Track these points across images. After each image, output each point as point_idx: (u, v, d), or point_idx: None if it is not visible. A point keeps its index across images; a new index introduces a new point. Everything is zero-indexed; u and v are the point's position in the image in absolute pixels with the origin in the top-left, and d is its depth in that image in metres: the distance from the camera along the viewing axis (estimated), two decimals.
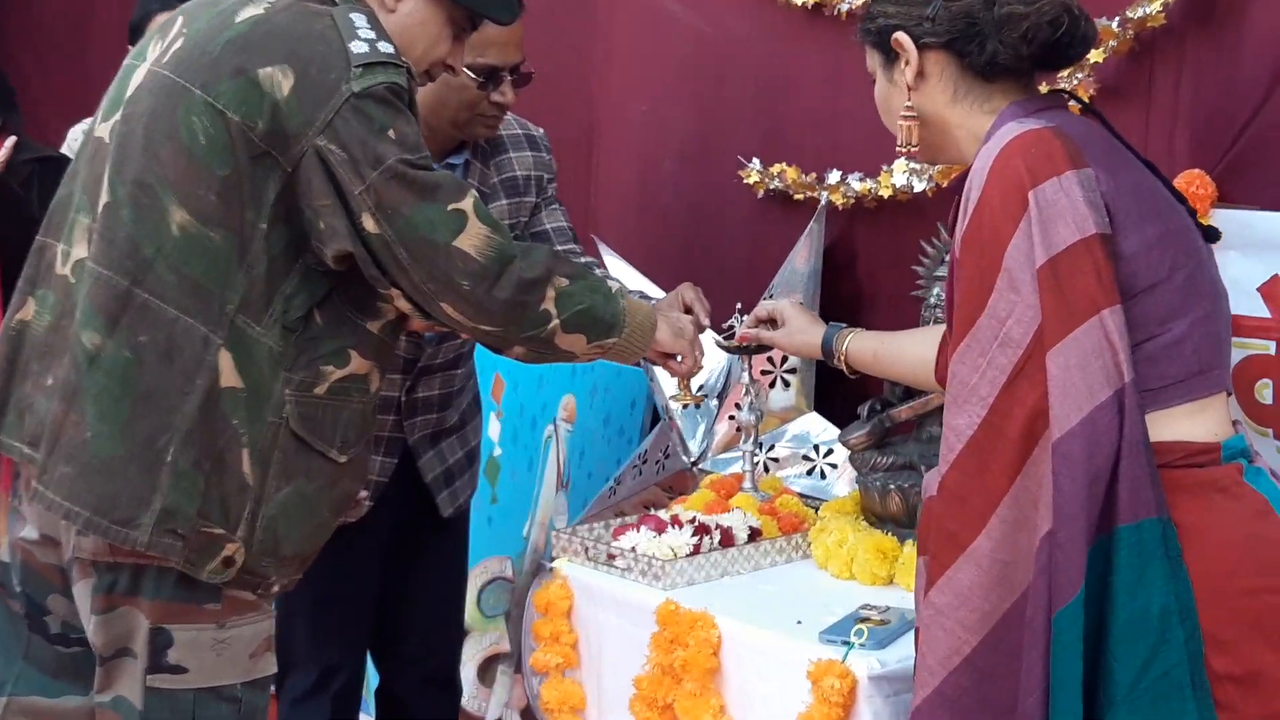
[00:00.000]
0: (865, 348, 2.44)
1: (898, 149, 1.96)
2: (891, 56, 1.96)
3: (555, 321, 2.24)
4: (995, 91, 1.92)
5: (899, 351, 2.40)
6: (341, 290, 2.24)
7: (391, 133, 2.14)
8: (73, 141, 3.85)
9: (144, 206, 2.18)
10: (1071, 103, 2.04)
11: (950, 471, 1.82)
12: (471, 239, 2.16)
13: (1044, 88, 2.02)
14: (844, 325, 2.47)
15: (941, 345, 2.22)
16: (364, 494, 2.47)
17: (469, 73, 2.59)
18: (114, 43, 3.82)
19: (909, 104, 1.94)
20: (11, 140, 3.35)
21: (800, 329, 2.54)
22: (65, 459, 2.17)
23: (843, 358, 2.45)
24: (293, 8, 2.24)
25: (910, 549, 2.41)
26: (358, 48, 2.16)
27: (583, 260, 2.80)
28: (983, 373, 1.79)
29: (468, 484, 3.03)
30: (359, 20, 2.20)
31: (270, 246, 2.17)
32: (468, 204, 2.17)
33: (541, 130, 2.99)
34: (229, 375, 2.16)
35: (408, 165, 2.13)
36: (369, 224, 2.13)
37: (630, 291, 2.55)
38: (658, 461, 3.07)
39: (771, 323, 2.57)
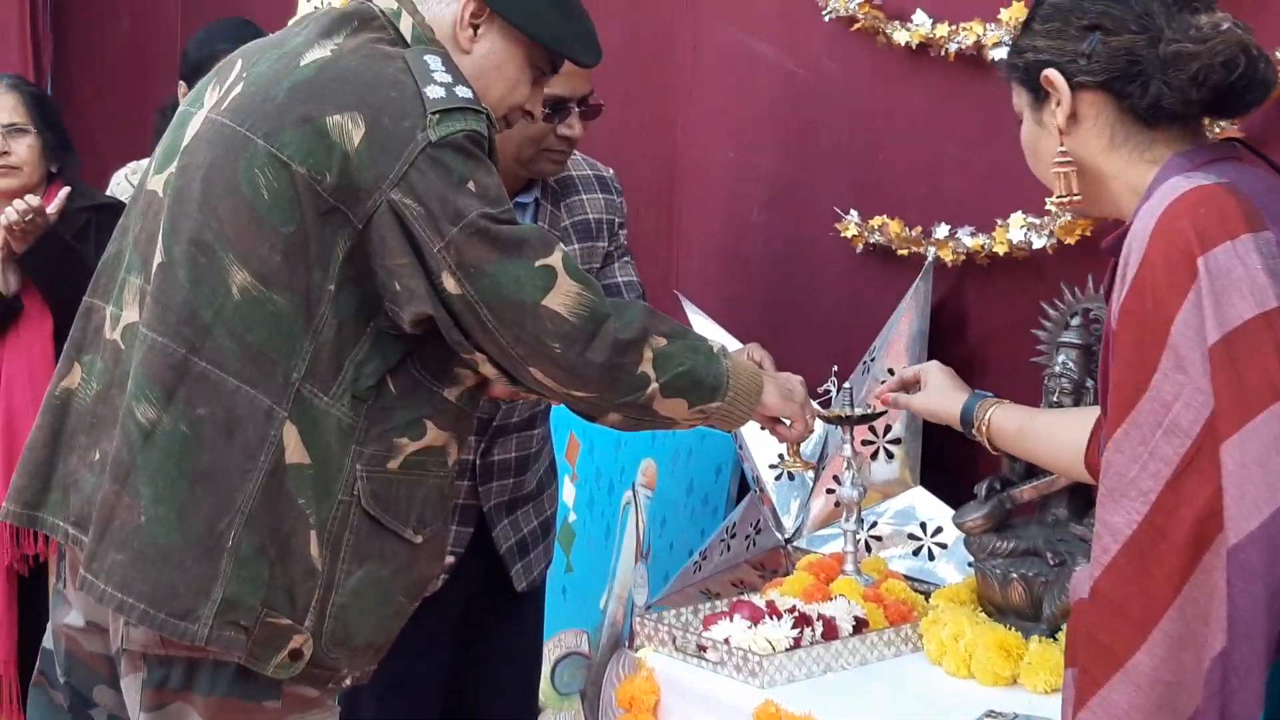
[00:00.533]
0: (1010, 422, 2.22)
1: (1054, 200, 1.75)
2: (1041, 96, 1.75)
3: (654, 385, 2.05)
4: (1158, 139, 1.71)
5: (1047, 431, 2.19)
6: (417, 356, 2.06)
7: (472, 184, 1.97)
8: (116, 186, 3.71)
9: (202, 267, 2.02)
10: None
11: (1105, 575, 1.60)
12: (562, 297, 1.98)
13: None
14: (990, 395, 2.26)
15: (1094, 430, 2.00)
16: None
17: None
18: (173, 77, 3.69)
19: (1063, 149, 1.73)
20: (65, 191, 3.24)
21: (942, 393, 2.33)
22: (117, 545, 2.01)
23: (984, 429, 2.24)
24: (361, 49, 2.07)
25: (1036, 646, 2.19)
26: (434, 93, 1.99)
27: None
28: (1144, 464, 1.58)
29: (543, 556, 2.85)
30: (434, 63, 2.03)
31: (339, 310, 2.00)
32: (556, 259, 1.99)
33: (612, 171, 2.82)
34: (295, 450, 2.00)
35: (490, 220, 1.96)
36: (450, 284, 1.96)
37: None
38: (747, 536, 2.85)
39: (916, 385, 2.37)
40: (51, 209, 3.22)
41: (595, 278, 2.74)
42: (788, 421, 2.27)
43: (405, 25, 2.14)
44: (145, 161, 3.71)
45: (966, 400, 2.27)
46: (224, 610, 1.97)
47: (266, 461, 1.99)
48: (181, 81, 3.67)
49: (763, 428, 2.32)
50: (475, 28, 2.15)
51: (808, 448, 2.75)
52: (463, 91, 2.02)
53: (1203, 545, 1.53)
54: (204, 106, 2.13)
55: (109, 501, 2.03)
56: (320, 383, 2.01)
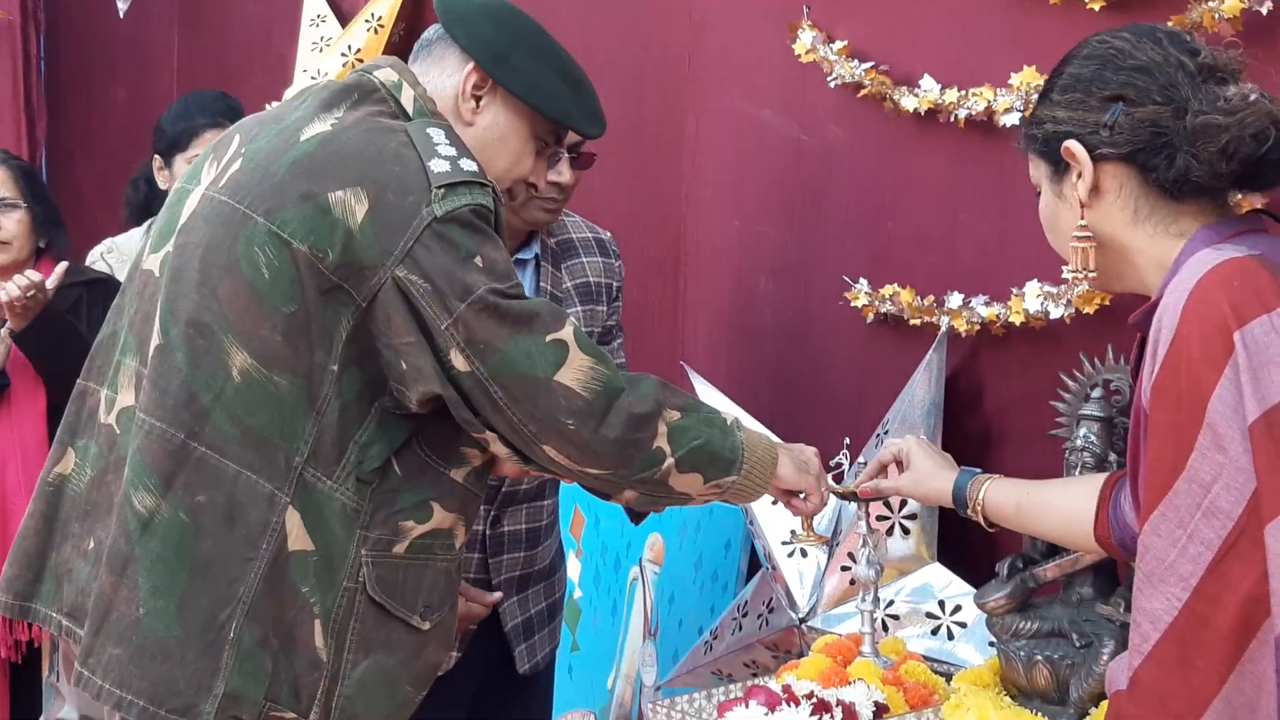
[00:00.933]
0: (1006, 499, 2.11)
1: (1070, 274, 1.69)
2: (1061, 168, 1.70)
3: (670, 460, 2.00)
4: (1185, 212, 1.66)
5: (1046, 504, 2.07)
6: (422, 436, 2.02)
7: (479, 259, 1.92)
8: (93, 262, 3.66)
9: (200, 349, 1.97)
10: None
11: (1145, 665, 1.54)
12: (575, 372, 1.93)
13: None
14: (978, 471, 2.16)
15: (1101, 500, 1.93)
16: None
17: None
18: None
19: (1083, 223, 1.67)
20: (63, 266, 3.21)
21: (927, 473, 2.20)
22: (115, 639, 1.96)
23: (979, 508, 2.14)
24: (363, 123, 2.03)
25: None
26: (438, 166, 1.95)
27: None
28: (1182, 548, 1.52)
29: (548, 640, 2.77)
30: (438, 136, 1.99)
31: (343, 391, 1.96)
32: (567, 333, 1.95)
33: (610, 234, 2.79)
34: (298, 537, 1.95)
35: (499, 295, 1.92)
36: (458, 361, 1.91)
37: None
38: (760, 615, 2.77)
39: (898, 464, 2.27)
40: (50, 283, 3.18)
41: (601, 341, 2.72)
42: (802, 495, 2.21)
43: (407, 98, 2.09)
44: (122, 238, 3.68)
45: (957, 478, 2.15)
46: (225, 706, 1.93)
47: (269, 549, 1.95)
48: (157, 155, 3.63)
49: (775, 501, 2.26)
50: (478, 99, 2.12)
51: (820, 522, 2.68)
52: (468, 165, 1.98)
53: (1249, 633, 1.48)
54: (201, 183, 2.09)
55: (106, 593, 1.98)
56: (324, 466, 1.97)
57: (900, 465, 2.25)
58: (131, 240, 3.67)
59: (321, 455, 1.96)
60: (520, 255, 2.63)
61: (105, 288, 3.43)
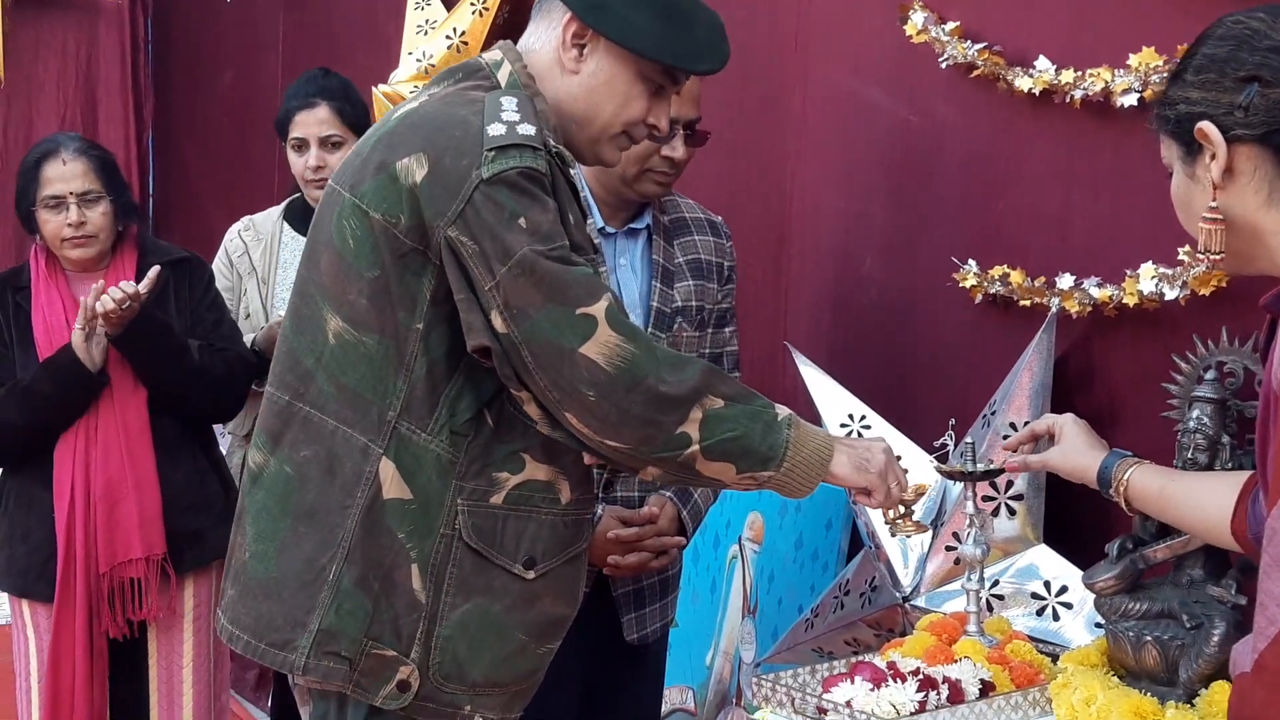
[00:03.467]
0: (1151, 483, 2.12)
1: (1197, 254, 1.67)
2: (1194, 149, 1.67)
3: (695, 447, 2.01)
4: None
5: (1191, 495, 2.07)
6: (510, 390, 2.08)
7: (523, 220, 1.99)
8: (230, 242, 3.72)
9: (304, 318, 2.14)
10: None
11: (1271, 648, 1.50)
12: (600, 346, 1.97)
13: None
14: (1129, 454, 2.16)
15: (1241, 495, 1.92)
16: None
17: None
18: (275, 136, 3.70)
19: (1214, 204, 1.65)
20: (156, 270, 3.22)
21: (1077, 450, 2.22)
22: (232, 581, 2.18)
23: (1123, 489, 2.14)
24: (448, 97, 2.13)
25: (1173, 712, 2.10)
26: (494, 130, 2.03)
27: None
28: None
29: (659, 614, 2.80)
30: (508, 103, 2.06)
31: (429, 349, 2.07)
32: (599, 308, 1.98)
33: (720, 218, 2.84)
34: (393, 486, 2.07)
35: (539, 255, 1.97)
36: (498, 323, 1.99)
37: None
38: (862, 594, 2.77)
39: (1049, 439, 2.27)
40: (144, 287, 3.17)
41: (709, 333, 2.74)
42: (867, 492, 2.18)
43: (503, 73, 2.17)
44: (260, 215, 3.74)
45: (1105, 458, 2.17)
46: (321, 641, 2.06)
47: (364, 497, 2.07)
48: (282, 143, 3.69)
49: (851, 497, 2.25)
50: (581, 48, 2.16)
51: (920, 509, 2.67)
52: (525, 129, 2.04)
53: None
54: None
55: (231, 545, 2.20)
56: (417, 419, 2.08)
57: (1052, 439, 2.26)
58: (269, 218, 3.72)
59: (414, 409, 2.07)
60: (633, 225, 2.68)
61: (190, 266, 3.45)
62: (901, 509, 2.24)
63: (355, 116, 3.60)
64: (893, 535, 2.43)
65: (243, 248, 3.67)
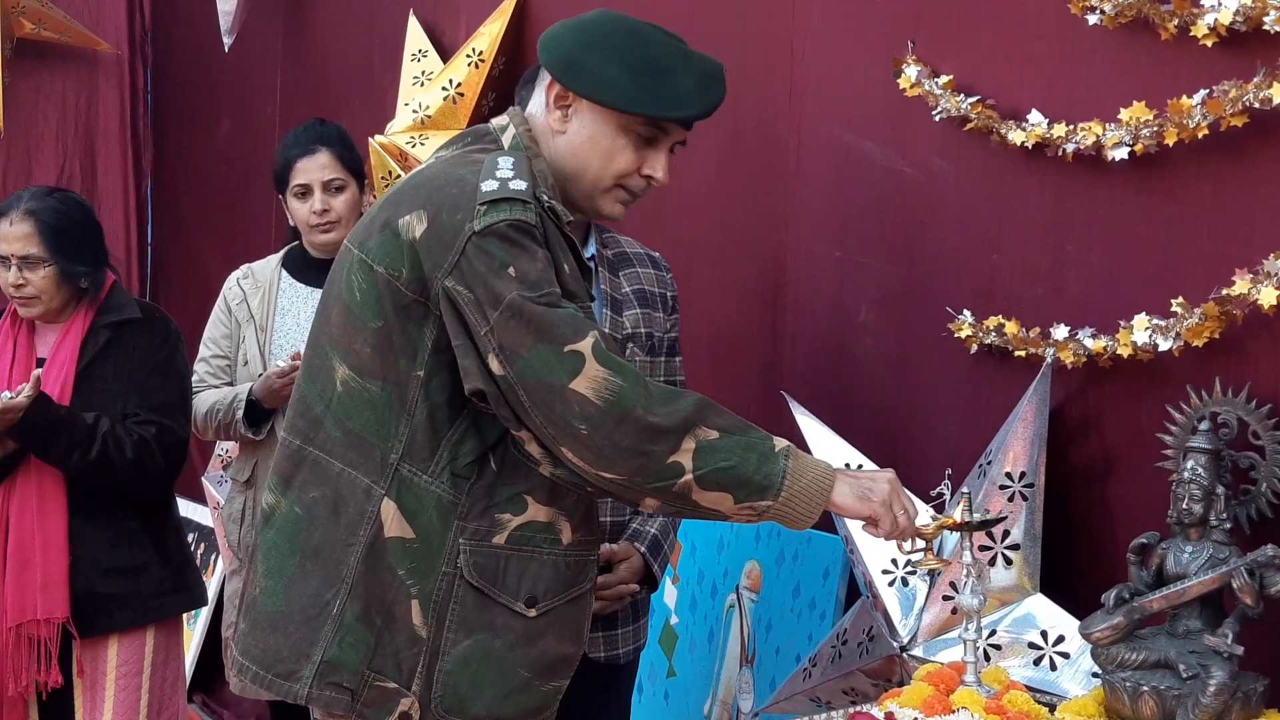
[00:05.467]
0: None
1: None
2: None
3: (688, 476, 2.07)
4: None
5: None
6: (513, 434, 2.17)
7: (512, 270, 2.08)
8: (228, 290, 3.73)
9: (315, 367, 2.25)
10: None
11: None
12: (589, 381, 2.05)
13: None
14: None
15: None
16: None
17: None
18: (272, 185, 3.73)
19: None
20: (37, 374, 3.26)
21: None
22: (243, 616, 2.28)
23: None
24: (453, 159, 2.25)
25: None
26: (487, 186, 2.13)
27: None
28: None
29: (631, 636, 2.85)
30: (504, 162, 2.17)
31: (430, 395, 2.16)
32: (585, 344, 2.07)
33: (659, 254, 2.96)
34: (394, 525, 2.16)
35: (526, 300, 2.06)
36: (495, 365, 2.08)
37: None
38: (860, 643, 2.78)
39: None
40: (22, 397, 3.21)
41: (662, 360, 2.85)
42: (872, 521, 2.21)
43: (508, 137, 2.29)
44: (259, 263, 3.76)
45: None
46: (324, 672, 2.16)
47: (366, 535, 2.17)
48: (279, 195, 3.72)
49: (864, 525, 2.27)
50: (565, 109, 2.26)
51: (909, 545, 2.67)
52: (516, 185, 2.13)
53: None
54: None
55: (244, 581, 2.37)
56: (418, 462, 2.17)
57: None
58: (268, 266, 3.74)
59: (415, 452, 2.16)
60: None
61: (138, 327, 3.48)
62: (921, 543, 2.26)
63: (354, 161, 3.65)
64: (913, 572, 2.44)
65: (241, 295, 3.69)
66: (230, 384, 3.64)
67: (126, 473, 3.35)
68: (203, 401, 3.61)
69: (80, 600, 3.35)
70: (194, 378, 3.68)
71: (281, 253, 3.75)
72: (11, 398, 3.20)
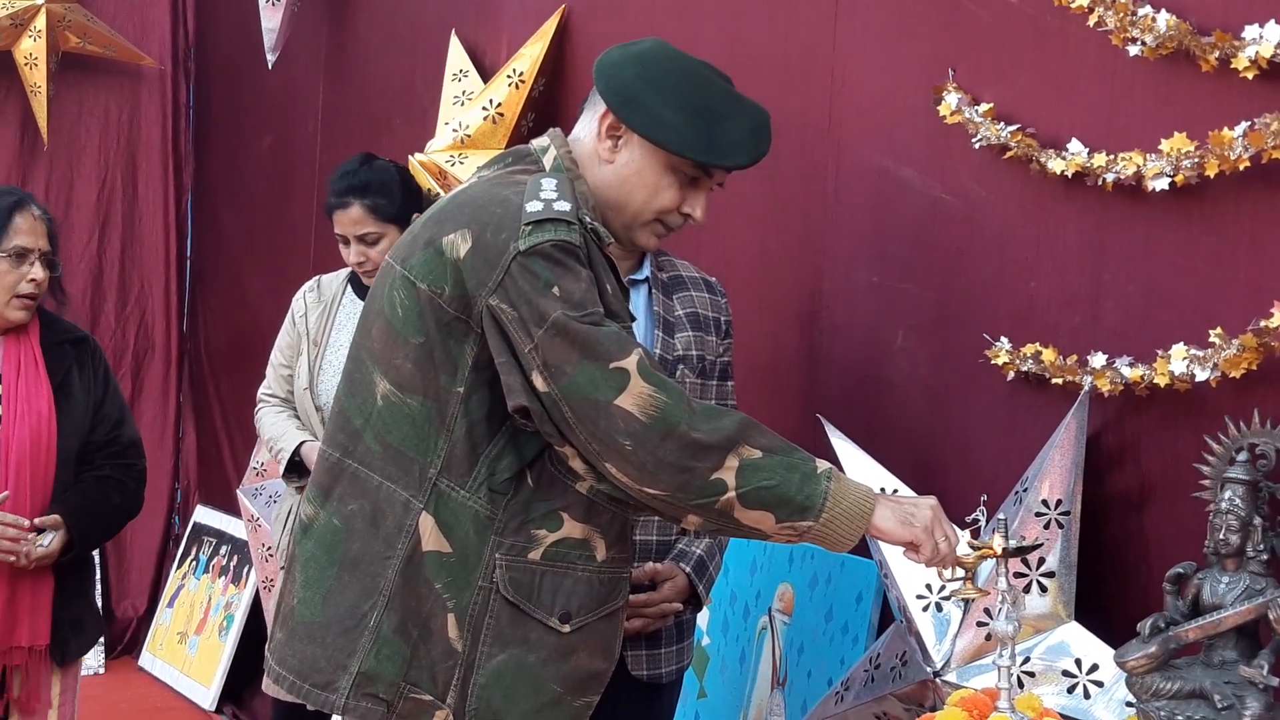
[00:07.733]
0: None
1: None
2: None
3: (731, 494, 2.09)
4: None
5: None
6: (552, 451, 2.20)
7: (556, 290, 2.11)
8: (296, 303, 3.81)
9: (356, 381, 2.27)
10: None
11: None
12: (634, 398, 2.07)
13: None
14: None
15: None
16: None
17: None
18: (311, 195, 3.78)
19: None
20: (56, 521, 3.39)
21: None
22: (280, 625, 2.30)
23: None
24: (495, 179, 2.28)
25: None
26: (532, 206, 2.16)
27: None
28: None
29: (675, 656, 2.86)
30: (548, 184, 2.20)
31: (470, 412, 2.18)
32: (630, 361, 2.09)
33: (715, 279, 2.98)
34: (431, 539, 2.19)
35: (571, 319, 2.08)
36: (538, 382, 2.10)
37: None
38: (892, 668, 2.78)
39: None
40: (54, 548, 3.37)
41: (714, 384, 2.87)
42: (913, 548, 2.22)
43: (549, 158, 2.33)
44: (328, 276, 3.82)
45: None
46: (361, 683, 2.18)
47: (404, 549, 2.19)
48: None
49: (905, 552, 2.28)
50: (616, 139, 2.31)
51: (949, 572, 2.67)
52: (561, 205, 2.16)
53: None
54: None
55: (280, 592, 2.33)
56: (456, 477, 2.19)
57: None
58: (336, 279, 3.82)
59: (454, 467, 2.19)
60: (633, 276, 2.79)
61: (89, 346, 3.55)
62: (961, 571, 2.26)
63: (390, 210, 3.64)
64: (948, 598, 2.44)
65: (304, 308, 3.76)
66: (291, 392, 3.72)
67: (126, 511, 3.55)
68: (263, 423, 3.71)
69: (55, 626, 3.44)
70: (262, 385, 3.76)
71: (349, 268, 3.80)
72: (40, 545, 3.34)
